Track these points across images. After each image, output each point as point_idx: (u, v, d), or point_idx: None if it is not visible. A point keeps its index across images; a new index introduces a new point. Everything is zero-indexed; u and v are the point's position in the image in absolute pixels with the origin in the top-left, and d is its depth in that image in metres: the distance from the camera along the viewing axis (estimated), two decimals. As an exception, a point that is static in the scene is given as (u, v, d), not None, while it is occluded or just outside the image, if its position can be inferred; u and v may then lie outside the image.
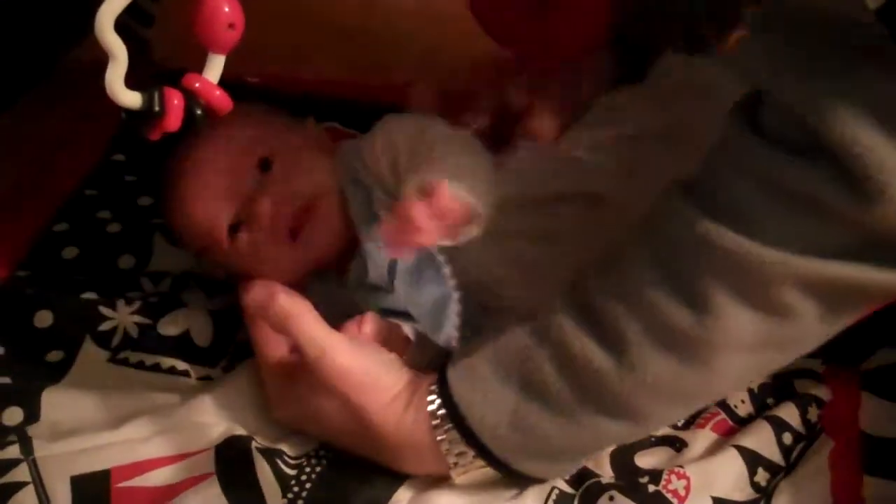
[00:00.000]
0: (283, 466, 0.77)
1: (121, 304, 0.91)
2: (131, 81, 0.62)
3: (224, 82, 0.73)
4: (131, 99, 0.61)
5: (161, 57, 1.10)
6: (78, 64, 1.08)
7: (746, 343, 0.66)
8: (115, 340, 0.88)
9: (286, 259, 0.85)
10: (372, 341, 0.79)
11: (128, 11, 0.66)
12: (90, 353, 0.87)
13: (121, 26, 0.65)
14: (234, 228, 0.85)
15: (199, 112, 0.65)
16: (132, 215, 1.03)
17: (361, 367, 0.75)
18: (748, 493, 0.78)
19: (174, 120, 0.63)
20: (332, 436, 0.78)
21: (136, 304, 0.91)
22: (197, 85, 0.65)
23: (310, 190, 0.85)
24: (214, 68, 0.66)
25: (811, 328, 0.67)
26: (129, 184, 1.07)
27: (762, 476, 0.79)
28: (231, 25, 0.64)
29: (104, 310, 0.90)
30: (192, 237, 0.89)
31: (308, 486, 0.76)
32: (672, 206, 0.67)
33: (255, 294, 0.80)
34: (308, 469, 0.78)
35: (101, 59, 0.59)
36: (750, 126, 0.65)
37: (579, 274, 0.72)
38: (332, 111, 1.13)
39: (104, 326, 0.89)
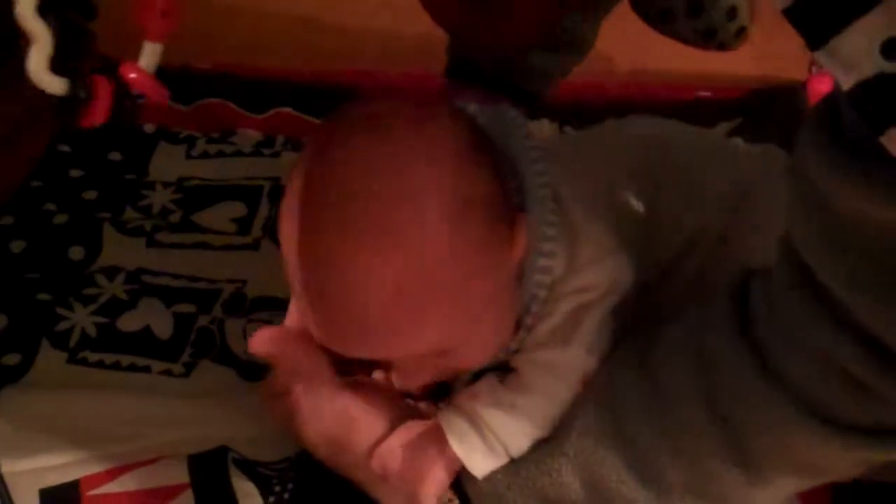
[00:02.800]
0: (262, 470, 0.76)
1: (77, 304, 0.90)
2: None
3: (172, 71, 0.73)
4: (56, 84, 0.60)
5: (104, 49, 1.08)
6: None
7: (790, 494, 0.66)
8: (73, 341, 0.87)
9: None
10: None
11: (70, 4, 0.64)
12: (48, 355, 0.86)
13: (64, 19, 0.64)
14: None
15: (128, 102, 0.64)
16: (78, 208, 1.02)
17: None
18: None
19: (101, 109, 0.62)
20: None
21: (94, 305, 0.90)
22: (133, 75, 0.64)
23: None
24: (150, 57, 0.65)
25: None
26: (74, 176, 1.05)
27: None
28: (165, 13, 0.63)
29: (60, 310, 0.89)
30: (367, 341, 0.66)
31: (290, 486, 0.76)
32: (736, 359, 0.60)
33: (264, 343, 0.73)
34: (290, 471, 0.77)
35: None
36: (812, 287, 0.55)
37: (615, 385, 0.67)
38: (289, 97, 1.13)
39: (61, 327, 0.88)
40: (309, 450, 0.75)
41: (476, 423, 0.67)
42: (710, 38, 0.90)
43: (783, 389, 0.58)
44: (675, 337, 0.65)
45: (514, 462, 0.67)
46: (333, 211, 0.62)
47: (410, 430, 0.70)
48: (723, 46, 0.90)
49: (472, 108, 0.70)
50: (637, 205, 0.73)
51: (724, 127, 1.13)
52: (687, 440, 0.62)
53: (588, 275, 0.68)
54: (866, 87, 0.43)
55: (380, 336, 0.63)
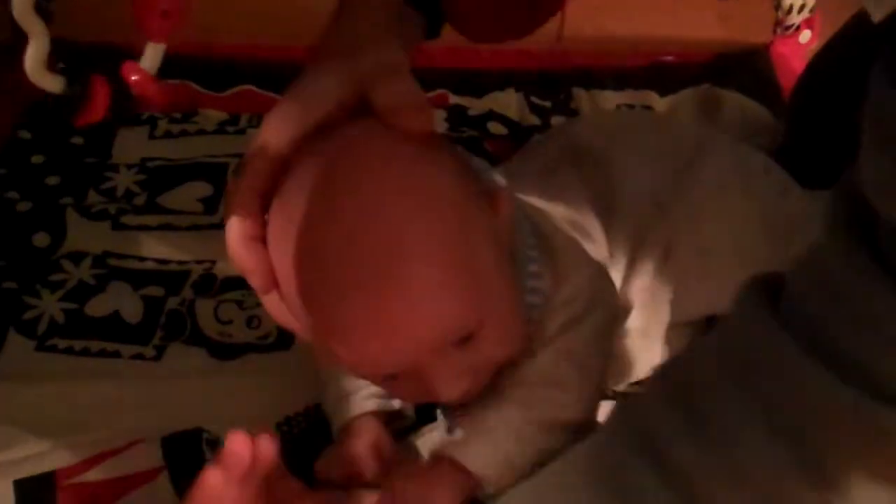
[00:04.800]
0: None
1: (44, 291, 0.89)
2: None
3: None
4: (52, 83, 0.59)
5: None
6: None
7: None
8: (41, 328, 0.86)
9: None
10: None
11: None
12: (16, 343, 0.85)
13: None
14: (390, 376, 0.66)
15: (126, 104, 0.63)
16: (41, 194, 1.00)
17: None
18: None
19: (97, 109, 0.62)
20: None
21: (61, 291, 0.89)
22: (134, 77, 0.63)
23: (499, 363, 0.67)
24: (152, 57, 0.64)
25: None
26: (36, 162, 1.03)
27: None
28: (166, 13, 0.63)
29: (27, 298, 0.88)
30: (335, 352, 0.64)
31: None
32: (781, 349, 0.52)
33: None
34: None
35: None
36: (870, 255, 0.48)
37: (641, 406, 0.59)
38: (250, 75, 1.12)
39: (28, 315, 0.87)
40: None
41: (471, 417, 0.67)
42: None
43: (843, 375, 0.49)
44: (705, 354, 0.58)
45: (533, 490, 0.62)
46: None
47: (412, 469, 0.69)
48: None
49: None
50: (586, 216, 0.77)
51: (689, 93, 1.14)
52: (739, 454, 0.53)
53: (571, 282, 0.69)
54: None
55: (399, 310, 0.60)
